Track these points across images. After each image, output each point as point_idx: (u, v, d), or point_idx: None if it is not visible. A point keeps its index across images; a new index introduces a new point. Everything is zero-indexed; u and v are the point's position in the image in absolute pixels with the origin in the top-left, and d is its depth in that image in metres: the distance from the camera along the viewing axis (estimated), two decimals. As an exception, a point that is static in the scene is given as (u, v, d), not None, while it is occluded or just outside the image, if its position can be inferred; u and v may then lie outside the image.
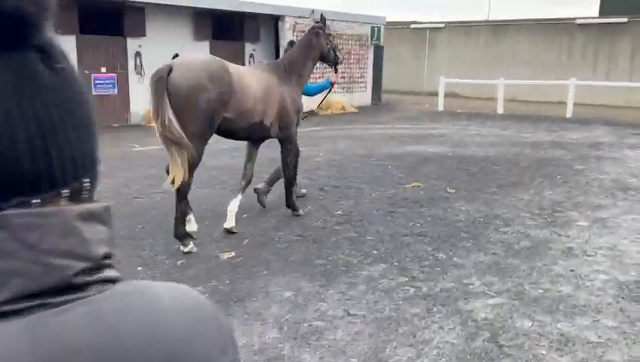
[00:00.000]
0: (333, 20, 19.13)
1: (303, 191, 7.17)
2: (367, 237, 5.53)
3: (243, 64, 17.76)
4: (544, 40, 23.19)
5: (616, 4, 33.24)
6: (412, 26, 26.93)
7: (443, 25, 25.87)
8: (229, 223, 5.60)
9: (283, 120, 5.80)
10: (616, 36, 21.62)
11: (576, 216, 6.32)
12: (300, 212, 6.28)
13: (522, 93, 22.28)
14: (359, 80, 20.77)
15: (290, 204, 6.26)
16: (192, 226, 5.25)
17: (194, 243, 5.12)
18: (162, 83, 4.67)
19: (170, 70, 4.76)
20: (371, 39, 20.70)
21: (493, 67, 23.24)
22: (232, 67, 5.25)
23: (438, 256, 5.06)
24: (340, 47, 7.86)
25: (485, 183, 8.01)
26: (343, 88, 20.13)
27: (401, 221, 6.10)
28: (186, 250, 5.00)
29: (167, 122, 4.56)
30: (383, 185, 7.87)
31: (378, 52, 21.26)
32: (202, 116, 4.87)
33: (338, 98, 19.63)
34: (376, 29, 20.78)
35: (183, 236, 5.04)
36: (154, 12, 15.34)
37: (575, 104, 17.76)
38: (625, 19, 21.52)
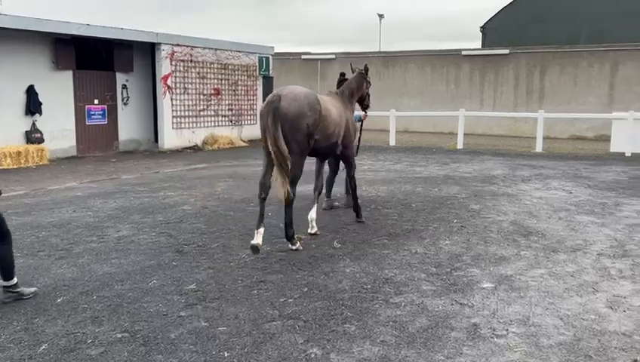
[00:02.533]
0: (216, 50, 17.88)
1: (336, 203, 8.36)
2: (220, 329, 4.13)
3: (115, 96, 15.98)
4: (433, 71, 23.36)
5: (497, 40, 34.91)
6: (303, 57, 26.26)
7: (334, 56, 25.43)
8: (313, 230, 6.81)
9: (345, 139, 6.96)
10: (500, 67, 22.18)
11: (479, 275, 5.34)
12: (363, 219, 7.42)
13: (414, 124, 22.16)
14: (248, 112, 19.53)
15: (356, 211, 7.47)
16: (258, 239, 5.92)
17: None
18: (277, 111, 5.75)
19: (278, 99, 5.83)
20: (259, 70, 19.59)
21: (385, 98, 22.98)
22: (320, 98, 6.38)
23: (311, 352, 3.77)
24: (226, 77, 9.92)
25: (375, 232, 6.93)
26: (231, 121, 18.77)
27: (270, 296, 4.77)
28: (294, 247, 6.11)
29: (279, 142, 5.70)
30: (256, 240, 6.53)
31: (267, 83, 20.18)
32: (303, 137, 5.96)
33: (225, 132, 18.25)
34: (264, 59, 19.72)
35: (291, 237, 6.17)
36: (4, 37, 13.19)
37: (465, 134, 17.65)
38: (507, 51, 22.15)
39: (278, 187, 5.88)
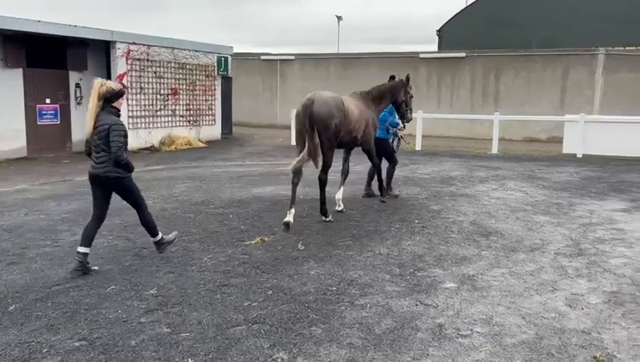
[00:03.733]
0: (174, 49, 17.56)
1: (374, 193, 9.11)
2: (183, 334, 4.02)
3: (67, 95, 15.47)
4: (391, 72, 23.57)
5: (454, 43, 35.60)
6: (262, 57, 26.10)
7: (293, 57, 25.37)
8: (340, 208, 8.17)
9: (366, 135, 8.01)
10: (457, 70, 22.61)
11: (442, 275, 5.39)
12: (393, 193, 9.23)
13: (374, 125, 22.29)
14: (207, 112, 19.24)
15: (382, 193, 8.69)
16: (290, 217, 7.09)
17: None
18: (312, 114, 6.97)
19: (311, 102, 7.03)
20: (218, 70, 19.34)
21: (345, 99, 23.08)
22: (344, 100, 7.54)
23: (277, 357, 3.71)
24: (184, 77, 9.77)
25: (339, 233, 6.92)
26: (189, 122, 18.46)
27: (234, 300, 4.68)
28: (327, 219, 7.51)
29: (315, 139, 7.02)
30: (219, 243, 6.42)
31: (226, 83, 19.95)
32: (332, 134, 7.18)
33: (183, 132, 17.94)
34: (223, 59, 19.47)
35: (326, 213, 7.57)
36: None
37: (423, 136, 17.89)
38: (463, 54, 22.60)
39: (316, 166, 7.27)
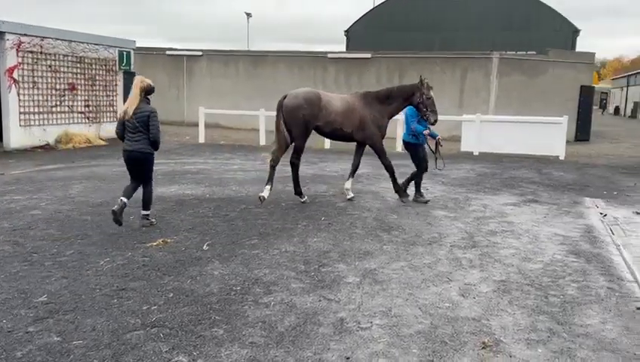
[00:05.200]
0: (71, 42, 16.61)
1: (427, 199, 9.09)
2: (75, 342, 3.81)
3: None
4: (301, 72, 23.74)
5: (361, 44, 36.44)
6: (168, 52, 25.30)
7: (200, 53, 24.82)
8: (349, 196, 9.00)
9: (366, 130, 8.68)
10: (363, 70, 23.17)
11: (345, 270, 5.50)
12: (409, 198, 9.03)
13: (283, 123, 22.31)
14: (108, 109, 18.35)
15: (397, 190, 9.07)
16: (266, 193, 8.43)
17: None
18: (281, 106, 8.34)
19: (284, 98, 8.38)
20: (120, 64, 18.51)
21: (253, 97, 22.94)
22: (324, 94, 8.49)
23: (176, 360, 3.61)
24: (82, 71, 10.22)
25: (245, 232, 6.86)
26: (89, 119, 17.52)
27: (132, 304, 4.51)
28: (302, 200, 8.71)
29: (282, 129, 8.33)
30: (117, 246, 6.15)
31: (129, 78, 19.11)
32: (300, 124, 8.26)
33: (81, 130, 17.01)
34: (125, 53, 18.66)
35: (300, 193, 8.77)
36: None
37: (332, 134, 18.16)
38: (369, 55, 23.21)
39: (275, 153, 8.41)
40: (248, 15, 53.34)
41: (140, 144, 6.79)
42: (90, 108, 17.59)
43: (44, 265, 5.43)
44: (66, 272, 5.23)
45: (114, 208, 6.63)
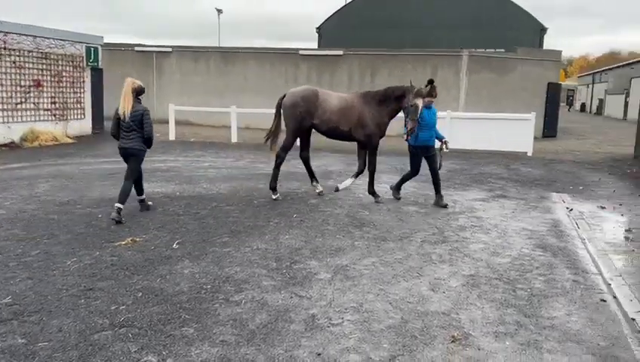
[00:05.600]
0: (36, 37, 16.21)
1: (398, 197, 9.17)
2: (41, 344, 3.73)
3: None
4: (272, 69, 23.64)
5: (332, 41, 36.50)
6: (137, 48, 24.89)
7: (170, 49, 24.49)
8: (343, 186, 9.26)
9: (364, 129, 8.62)
10: (335, 67, 23.19)
11: (316, 267, 5.51)
12: (380, 199, 8.84)
13: (255, 120, 22.21)
14: (75, 106, 17.96)
15: (372, 192, 8.91)
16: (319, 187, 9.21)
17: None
18: (279, 105, 8.73)
19: (283, 97, 8.69)
20: (87, 61, 18.13)
21: (224, 94, 22.75)
22: (322, 93, 8.62)
23: (145, 360, 3.57)
24: (49, 68, 10.04)
25: (216, 230, 6.81)
26: (55, 116, 17.13)
27: (100, 304, 4.43)
28: (274, 197, 8.73)
29: (278, 124, 8.81)
30: (85, 245, 6.03)
31: (97, 75, 18.77)
32: (295, 120, 8.50)
33: (48, 127, 16.62)
34: (92, 49, 18.28)
35: (274, 189, 8.80)
36: None
37: (304, 131, 18.13)
38: (340, 52, 23.24)
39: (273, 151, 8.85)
40: (219, 11, 52.86)
41: (134, 142, 7.25)
42: (57, 105, 17.20)
43: (9, 266, 5.29)
44: (32, 273, 5.11)
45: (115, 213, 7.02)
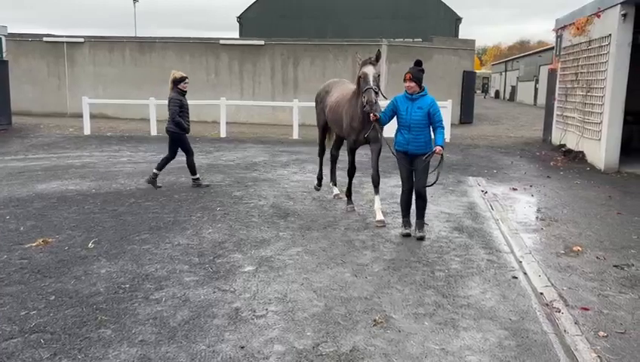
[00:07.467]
0: None
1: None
2: (-61, 358, 3.46)
3: None
4: (192, 59, 23.05)
5: (254, 31, 36.16)
6: (45, 39, 23.46)
7: (82, 40, 23.28)
8: (377, 210, 7.14)
9: (341, 129, 7.74)
10: (257, 57, 22.96)
11: (241, 259, 5.46)
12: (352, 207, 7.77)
13: (176, 112, 21.61)
14: (-22, 101, 16.74)
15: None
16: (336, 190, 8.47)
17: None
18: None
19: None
20: (-11, 51, 16.93)
21: (142, 86, 21.95)
22: (333, 86, 8.28)
23: (58, 366, 3.39)
24: None
25: (134, 227, 6.57)
26: (-45, 112, 15.88)
27: (8, 310, 4.16)
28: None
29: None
30: (-10, 249, 5.64)
31: (1, 67, 17.56)
32: (318, 114, 8.48)
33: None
34: (-5, 39, 17.10)
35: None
36: None
37: (227, 123, 17.87)
38: (262, 42, 23.02)
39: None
40: (135, 0, 50.89)
41: (168, 124, 8.80)
42: (-44, 100, 15.95)
43: None
44: None
45: (147, 178, 8.93)
